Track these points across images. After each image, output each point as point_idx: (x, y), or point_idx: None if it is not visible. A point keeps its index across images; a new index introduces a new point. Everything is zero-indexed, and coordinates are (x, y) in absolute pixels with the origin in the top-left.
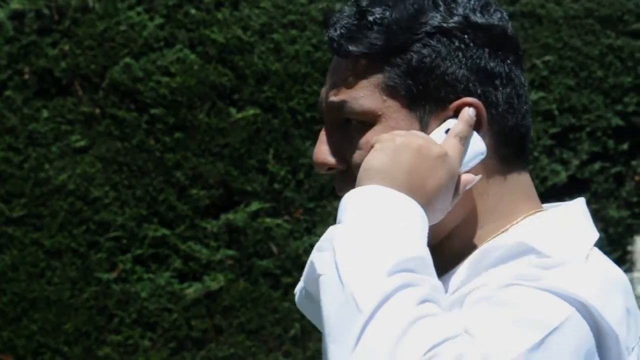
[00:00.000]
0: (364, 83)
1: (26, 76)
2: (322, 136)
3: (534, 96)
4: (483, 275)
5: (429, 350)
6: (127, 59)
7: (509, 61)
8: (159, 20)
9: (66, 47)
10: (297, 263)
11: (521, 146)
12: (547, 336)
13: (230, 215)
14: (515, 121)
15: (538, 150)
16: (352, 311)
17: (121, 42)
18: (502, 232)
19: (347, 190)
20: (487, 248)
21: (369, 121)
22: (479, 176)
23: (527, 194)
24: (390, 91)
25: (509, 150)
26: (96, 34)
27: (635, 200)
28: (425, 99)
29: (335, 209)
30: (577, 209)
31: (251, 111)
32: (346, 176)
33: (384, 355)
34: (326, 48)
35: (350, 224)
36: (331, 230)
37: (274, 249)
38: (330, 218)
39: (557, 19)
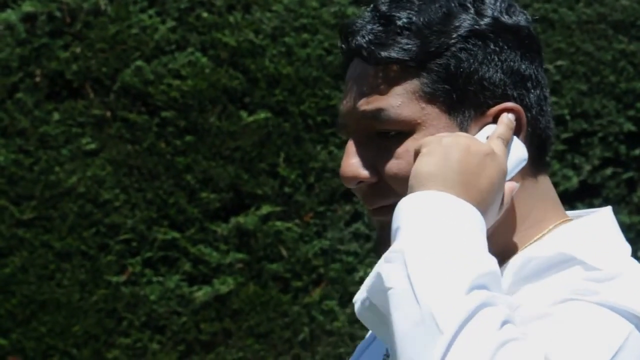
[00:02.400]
0: (398, 90)
1: (37, 79)
2: (350, 149)
3: None
4: (527, 288)
5: None
6: (139, 62)
7: (536, 63)
8: (170, 24)
9: (77, 50)
10: (307, 267)
11: (547, 149)
12: (613, 357)
13: (241, 219)
14: (545, 123)
15: (550, 155)
16: (432, 331)
17: (132, 45)
18: (536, 240)
19: (380, 203)
20: (526, 257)
21: (406, 130)
22: (519, 184)
23: (555, 200)
24: (428, 98)
25: (539, 154)
26: (108, 37)
27: None
28: (465, 105)
29: (346, 213)
30: (607, 218)
31: (262, 115)
32: (378, 189)
33: None
34: (338, 52)
35: (418, 235)
36: (400, 242)
37: (284, 252)
38: (340, 222)
39: (569, 23)
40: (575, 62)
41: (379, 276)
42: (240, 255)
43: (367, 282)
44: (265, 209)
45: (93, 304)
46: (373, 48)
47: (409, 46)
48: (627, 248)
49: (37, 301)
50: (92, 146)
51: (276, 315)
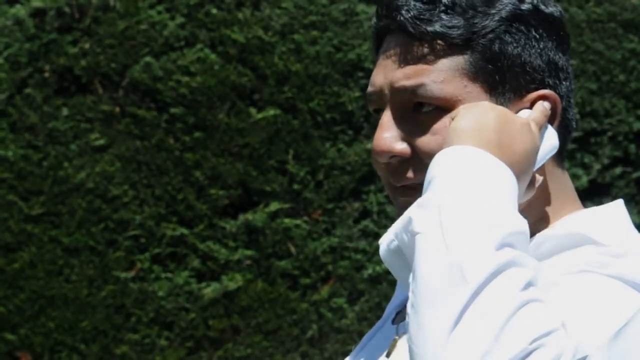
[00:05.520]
0: (442, 67)
1: (46, 74)
2: (385, 123)
3: None
4: (542, 264)
5: (535, 340)
6: (148, 58)
7: (567, 55)
8: (179, 20)
9: (86, 46)
10: (316, 264)
11: (568, 141)
12: (625, 326)
13: (249, 216)
14: (572, 115)
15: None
16: (457, 280)
17: (142, 41)
18: (550, 227)
19: (409, 181)
20: (541, 238)
21: (445, 106)
22: (542, 177)
23: (573, 192)
24: (471, 76)
25: (564, 144)
26: (117, 33)
27: None
28: (505, 87)
29: (355, 211)
30: (619, 209)
31: (271, 112)
32: (409, 164)
33: (489, 334)
34: (347, 49)
35: (452, 186)
36: (434, 191)
37: (293, 249)
38: (349, 219)
39: (579, 22)
40: (585, 61)
41: (409, 220)
42: (248, 252)
43: (397, 224)
44: (274, 206)
45: (101, 299)
46: (418, 23)
47: (454, 23)
48: (637, 234)
49: (45, 297)
50: (101, 142)
51: (284, 312)
